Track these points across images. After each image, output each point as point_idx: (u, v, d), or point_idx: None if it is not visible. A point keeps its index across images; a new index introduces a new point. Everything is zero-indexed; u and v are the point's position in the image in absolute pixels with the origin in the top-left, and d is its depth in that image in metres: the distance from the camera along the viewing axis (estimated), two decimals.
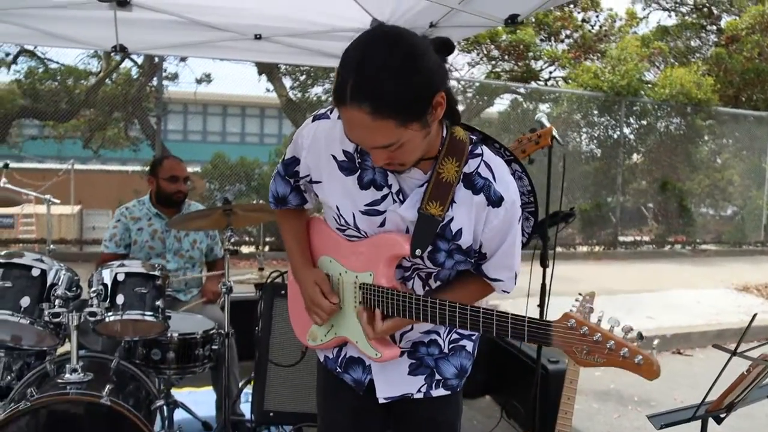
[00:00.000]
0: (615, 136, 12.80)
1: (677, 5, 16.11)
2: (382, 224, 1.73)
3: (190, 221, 3.54)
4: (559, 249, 11.93)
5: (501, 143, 1.84)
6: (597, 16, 14.31)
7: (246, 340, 3.51)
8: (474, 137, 1.75)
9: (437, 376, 1.89)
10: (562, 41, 14.17)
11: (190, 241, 3.94)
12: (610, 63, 12.61)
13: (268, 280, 2.89)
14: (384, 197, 1.71)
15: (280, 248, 10.63)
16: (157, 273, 2.92)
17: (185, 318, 3.45)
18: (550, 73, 14.46)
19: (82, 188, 12.69)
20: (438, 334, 1.89)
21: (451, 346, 1.90)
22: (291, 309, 2.06)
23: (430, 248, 1.69)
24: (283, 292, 3.28)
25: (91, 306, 2.68)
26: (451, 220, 1.68)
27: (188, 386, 4.23)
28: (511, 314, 1.54)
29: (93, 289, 2.75)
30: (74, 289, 2.83)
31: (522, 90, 13.12)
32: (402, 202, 1.70)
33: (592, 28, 14.26)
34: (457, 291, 1.79)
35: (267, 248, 10.29)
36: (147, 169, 11.11)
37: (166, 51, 6.10)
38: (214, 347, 3.27)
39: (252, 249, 10.40)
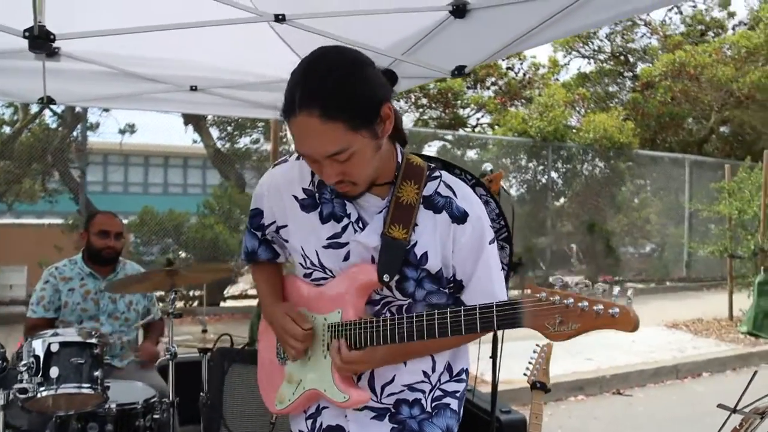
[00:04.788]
0: (543, 181, 13.12)
1: (595, 53, 16.88)
2: (347, 258, 1.68)
3: (130, 285, 3.33)
4: None
5: (462, 168, 1.84)
6: (521, 64, 14.81)
7: (188, 404, 3.31)
8: (432, 165, 1.75)
9: None
10: (488, 88, 14.55)
11: (125, 303, 3.70)
12: (538, 109, 12.99)
13: (215, 346, 2.70)
14: (344, 228, 1.67)
15: (213, 302, 10.26)
16: (94, 341, 2.70)
17: (125, 386, 3.21)
18: (477, 119, 14.80)
19: None
20: (423, 393, 1.76)
21: (434, 404, 1.76)
22: (259, 374, 1.92)
23: (397, 276, 1.62)
24: (238, 358, 3.11)
25: (21, 382, 2.45)
26: (415, 244, 1.63)
27: None
28: (478, 305, 1.48)
29: (23, 362, 2.52)
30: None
31: (450, 137, 13.34)
32: (362, 230, 1.65)
33: (516, 75, 14.72)
34: None
35: (196, 303, 9.87)
36: (68, 222, 10.49)
37: (95, 103, 5.89)
38: (155, 416, 3.06)
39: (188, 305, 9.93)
